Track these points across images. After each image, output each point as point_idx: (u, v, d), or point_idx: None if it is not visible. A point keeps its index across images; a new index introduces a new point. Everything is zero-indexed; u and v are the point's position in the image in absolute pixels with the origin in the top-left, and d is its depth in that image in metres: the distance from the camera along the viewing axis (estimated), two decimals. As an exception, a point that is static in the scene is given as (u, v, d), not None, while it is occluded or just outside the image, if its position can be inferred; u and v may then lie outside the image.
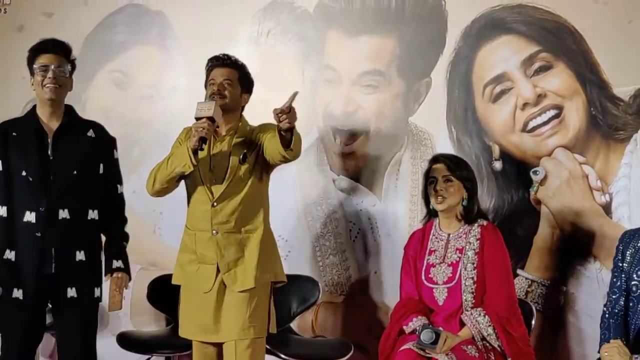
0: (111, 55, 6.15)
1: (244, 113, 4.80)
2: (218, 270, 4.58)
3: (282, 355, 5.07)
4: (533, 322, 4.86)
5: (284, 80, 5.81)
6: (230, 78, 4.66)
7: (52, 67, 4.46)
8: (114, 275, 4.56)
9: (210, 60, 4.72)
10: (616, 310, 4.36)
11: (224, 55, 4.72)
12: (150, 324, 5.92)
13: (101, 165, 4.59)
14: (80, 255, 4.50)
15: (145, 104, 6.08)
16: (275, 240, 4.80)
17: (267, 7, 5.87)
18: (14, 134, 4.51)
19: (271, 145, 4.49)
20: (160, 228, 5.98)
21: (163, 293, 5.50)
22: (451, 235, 4.76)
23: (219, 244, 4.58)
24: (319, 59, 5.74)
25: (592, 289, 5.14)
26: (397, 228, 5.54)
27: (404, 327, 4.65)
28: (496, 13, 5.37)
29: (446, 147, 5.43)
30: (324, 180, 5.68)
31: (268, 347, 5.02)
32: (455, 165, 4.72)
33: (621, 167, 5.17)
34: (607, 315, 4.38)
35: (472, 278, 4.63)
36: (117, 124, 6.08)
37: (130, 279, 4.66)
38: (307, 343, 5.44)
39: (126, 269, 4.62)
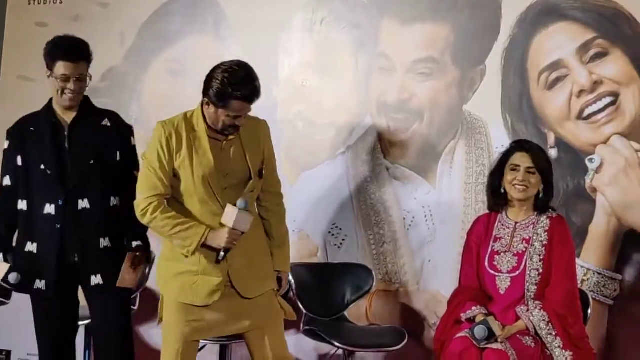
0: (166, 44, 6.18)
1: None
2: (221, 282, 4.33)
3: (336, 343, 5.08)
4: (589, 311, 4.83)
5: (338, 68, 5.81)
6: (248, 112, 4.31)
7: (73, 78, 4.48)
8: (131, 253, 4.57)
9: (240, 95, 4.24)
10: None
11: (256, 92, 4.26)
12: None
13: (118, 153, 4.61)
14: (105, 242, 4.56)
15: (200, 93, 6.08)
16: None
17: (321, -5, 5.87)
18: (31, 128, 4.57)
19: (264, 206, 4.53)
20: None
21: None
22: (518, 224, 4.73)
23: (232, 253, 4.32)
24: (373, 47, 5.72)
25: (649, 278, 5.11)
26: (451, 216, 5.52)
27: (462, 315, 4.65)
28: (552, -1, 5.34)
29: (501, 135, 5.41)
30: (378, 169, 5.67)
31: (322, 334, 5.05)
32: (539, 158, 4.68)
33: (679, 154, 5.13)
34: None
35: (538, 270, 4.60)
36: (173, 113, 6.08)
37: (150, 260, 4.74)
38: (361, 331, 5.44)
39: (145, 249, 4.64)
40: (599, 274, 5.21)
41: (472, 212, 5.43)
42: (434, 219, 5.57)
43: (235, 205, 4.25)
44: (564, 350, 4.47)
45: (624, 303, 5.19)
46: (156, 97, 6.18)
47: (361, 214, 5.70)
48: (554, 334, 4.49)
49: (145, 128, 6.11)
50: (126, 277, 4.54)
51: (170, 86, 6.16)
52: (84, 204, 4.52)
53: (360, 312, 5.66)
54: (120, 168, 4.62)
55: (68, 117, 4.56)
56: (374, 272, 5.50)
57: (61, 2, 6.38)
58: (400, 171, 5.63)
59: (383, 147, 5.67)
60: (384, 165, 5.65)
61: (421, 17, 5.61)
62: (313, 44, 5.87)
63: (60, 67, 4.46)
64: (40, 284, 4.51)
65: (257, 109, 4.48)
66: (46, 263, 4.50)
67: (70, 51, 4.49)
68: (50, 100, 4.62)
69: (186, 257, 4.29)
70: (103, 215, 4.56)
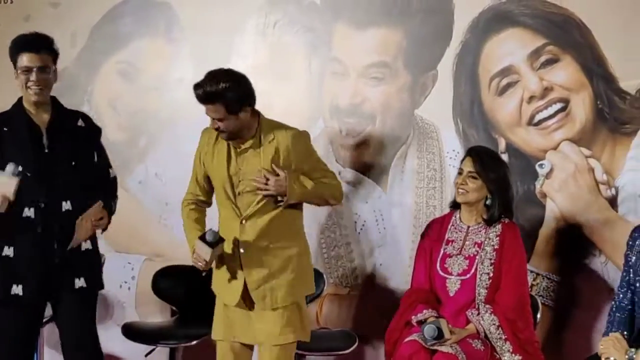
0: (118, 46, 6.13)
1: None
2: (244, 286, 4.48)
3: (287, 347, 5.07)
4: (538, 315, 4.87)
5: (291, 72, 5.80)
6: (219, 116, 4.33)
7: (35, 69, 4.41)
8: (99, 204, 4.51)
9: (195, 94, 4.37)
10: (624, 304, 4.33)
11: (201, 92, 4.33)
12: (155, 314, 5.92)
13: (95, 154, 4.62)
14: (86, 245, 4.54)
15: (152, 95, 6.06)
16: (310, 252, 4.76)
17: (274, -1, 5.86)
18: (5, 129, 4.47)
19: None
20: (165, 219, 5.95)
21: (168, 284, 5.52)
22: (470, 228, 4.77)
23: (246, 261, 4.47)
24: (326, 51, 5.72)
25: (597, 283, 5.14)
26: (402, 220, 5.54)
27: (412, 318, 4.66)
28: (503, 6, 5.35)
29: (452, 140, 5.44)
30: (330, 172, 5.67)
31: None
32: (483, 165, 4.71)
33: (627, 160, 5.16)
34: (614, 309, 4.37)
35: (488, 274, 4.64)
36: (124, 115, 6.09)
37: (109, 223, 4.60)
38: (312, 335, 5.43)
39: (110, 214, 4.59)
40: (548, 278, 5.25)
41: (423, 216, 5.46)
42: (385, 223, 5.58)
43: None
44: (513, 355, 4.51)
45: (571, 307, 5.23)
46: (107, 98, 6.14)
47: (313, 218, 5.65)
48: (503, 338, 4.53)
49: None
50: (84, 227, 4.45)
51: (121, 87, 6.12)
52: (67, 205, 4.46)
53: (311, 315, 5.63)
54: (97, 169, 4.63)
55: (41, 118, 4.50)
56: (325, 276, 5.50)
57: (12, 2, 6.30)
58: (352, 175, 5.64)
59: (335, 151, 5.67)
60: (336, 169, 5.63)
61: (374, 21, 5.61)
62: (266, 47, 5.84)
63: (23, 59, 4.40)
64: (17, 289, 4.42)
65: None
66: (25, 267, 4.43)
67: (31, 42, 4.45)
68: (20, 99, 4.53)
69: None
70: None
